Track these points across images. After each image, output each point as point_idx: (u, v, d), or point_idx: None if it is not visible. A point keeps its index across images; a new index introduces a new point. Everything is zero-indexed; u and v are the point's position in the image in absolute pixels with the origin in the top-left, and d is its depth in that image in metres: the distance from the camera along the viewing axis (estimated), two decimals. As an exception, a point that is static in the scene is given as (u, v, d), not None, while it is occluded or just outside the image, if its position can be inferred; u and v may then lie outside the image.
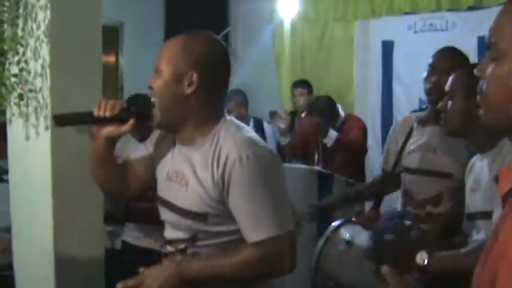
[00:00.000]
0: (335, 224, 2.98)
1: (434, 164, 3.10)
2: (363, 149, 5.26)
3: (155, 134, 2.33)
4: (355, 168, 5.16)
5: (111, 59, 7.23)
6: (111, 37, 7.09)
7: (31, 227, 3.21)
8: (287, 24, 6.94)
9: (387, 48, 6.46)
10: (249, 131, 2.17)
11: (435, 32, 6.16)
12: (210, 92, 2.11)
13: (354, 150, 5.19)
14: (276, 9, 6.98)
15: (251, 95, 6.58)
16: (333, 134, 5.03)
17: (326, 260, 2.84)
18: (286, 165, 4.96)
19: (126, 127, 2.11)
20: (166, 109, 2.11)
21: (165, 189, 2.21)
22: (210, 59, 2.11)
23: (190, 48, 2.11)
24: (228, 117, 2.16)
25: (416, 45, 5.96)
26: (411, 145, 3.25)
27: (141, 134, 4.41)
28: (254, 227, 2.01)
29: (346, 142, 5.10)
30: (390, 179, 3.41)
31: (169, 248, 2.21)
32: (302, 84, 6.44)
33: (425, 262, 2.21)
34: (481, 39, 5.92)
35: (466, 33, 5.98)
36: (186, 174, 2.11)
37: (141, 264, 3.14)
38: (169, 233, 2.22)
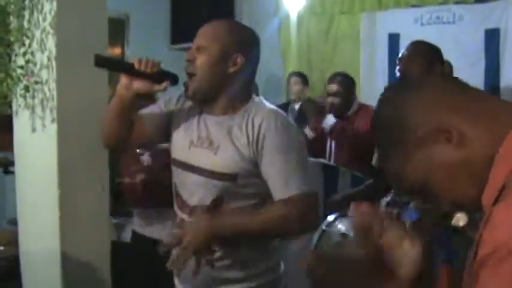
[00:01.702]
0: (330, 217, 2.99)
1: None
2: (370, 142, 5.18)
3: (166, 98, 2.46)
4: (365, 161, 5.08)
5: (117, 51, 7.23)
6: (117, 29, 7.09)
7: (37, 219, 3.21)
8: (293, 17, 6.92)
9: (393, 40, 6.45)
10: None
11: (442, 24, 6.16)
12: (248, 73, 2.30)
13: (360, 142, 5.12)
14: (282, 2, 6.97)
15: (257, 88, 6.57)
16: (330, 119, 4.94)
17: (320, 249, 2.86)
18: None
19: (159, 87, 2.23)
20: (206, 82, 2.26)
21: (189, 154, 2.33)
22: (252, 43, 2.32)
23: (236, 31, 2.32)
24: (256, 97, 2.35)
25: (423, 38, 5.89)
26: None
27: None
28: (285, 184, 2.16)
29: (352, 132, 5.04)
30: (381, 178, 3.47)
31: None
32: (297, 74, 6.45)
33: (464, 223, 2.15)
34: (488, 32, 5.91)
35: (473, 26, 5.98)
36: (216, 141, 2.27)
37: (148, 255, 3.16)
38: (189, 199, 2.34)
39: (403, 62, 3.24)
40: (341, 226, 3.05)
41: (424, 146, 1.18)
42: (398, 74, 3.28)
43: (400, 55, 3.30)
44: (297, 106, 6.37)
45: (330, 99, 5.04)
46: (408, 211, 3.01)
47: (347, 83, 5.10)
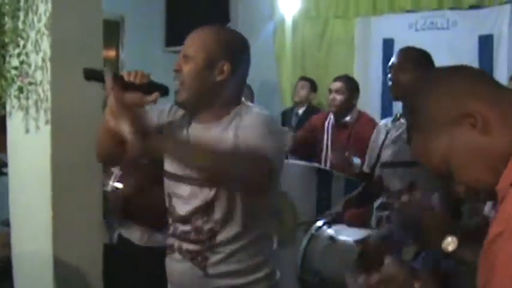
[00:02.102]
0: (318, 223, 3.02)
1: (406, 154, 3.18)
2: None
3: (159, 110, 2.41)
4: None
5: (112, 52, 7.23)
6: (112, 31, 7.08)
7: (30, 220, 3.20)
8: (288, 21, 6.93)
9: (388, 46, 6.46)
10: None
11: (436, 30, 6.17)
12: (236, 79, 2.27)
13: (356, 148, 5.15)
14: (277, 5, 6.97)
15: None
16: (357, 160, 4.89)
17: (311, 257, 2.87)
18: (286, 161, 4.95)
19: (150, 98, 2.14)
20: (194, 91, 2.24)
21: (180, 165, 2.27)
22: (240, 50, 2.29)
23: (223, 38, 2.28)
24: (247, 102, 2.33)
25: (417, 44, 5.87)
26: (388, 141, 3.41)
27: None
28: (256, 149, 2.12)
29: (350, 141, 5.09)
30: (372, 183, 3.56)
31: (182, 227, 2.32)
32: (306, 78, 6.48)
33: (453, 249, 2.15)
34: (481, 38, 5.93)
35: (467, 32, 6.00)
36: None
37: (137, 258, 3.16)
38: (182, 208, 2.31)
39: (394, 70, 3.21)
40: (330, 231, 3.09)
41: (450, 129, 1.28)
42: (389, 82, 3.25)
43: (390, 63, 3.28)
44: (300, 111, 6.37)
45: (332, 96, 5.10)
46: (396, 213, 3.02)
47: (351, 85, 5.21)
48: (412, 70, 3.09)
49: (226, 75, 2.22)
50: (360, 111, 5.26)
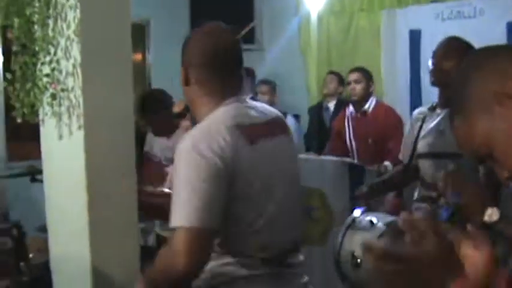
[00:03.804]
0: (356, 212, 3.02)
1: (443, 145, 3.21)
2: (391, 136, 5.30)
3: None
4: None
5: (139, 56, 7.27)
6: (138, 34, 7.14)
7: (66, 226, 3.23)
8: (314, 17, 6.91)
9: (415, 37, 6.42)
10: (225, 114, 2.15)
11: (463, 19, 6.12)
12: (207, 84, 2.22)
13: (381, 138, 5.24)
14: (302, 1, 6.95)
15: (279, 87, 6.58)
16: (389, 164, 4.94)
17: (350, 240, 2.87)
18: (318, 157, 4.98)
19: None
20: (188, 103, 2.32)
21: None
22: (197, 55, 2.23)
23: (185, 47, 2.31)
24: (231, 103, 2.19)
25: (445, 34, 5.79)
26: (423, 131, 3.42)
27: (156, 128, 4.50)
28: (172, 214, 2.00)
29: (372, 129, 5.20)
30: (407, 170, 3.54)
31: None
32: (334, 72, 6.53)
33: (496, 218, 2.10)
34: (509, 25, 5.87)
35: (494, 19, 5.94)
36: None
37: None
38: None
39: (438, 57, 3.30)
40: (369, 218, 3.07)
41: (495, 109, 1.23)
42: (431, 67, 3.35)
43: (434, 50, 3.37)
44: (331, 104, 6.43)
45: (351, 86, 5.29)
46: (438, 208, 2.99)
47: (367, 74, 5.44)
48: (455, 58, 3.15)
49: (192, 82, 2.24)
50: (377, 99, 5.55)
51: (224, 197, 2.01)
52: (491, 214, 2.06)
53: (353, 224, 2.98)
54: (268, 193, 2.14)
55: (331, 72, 6.63)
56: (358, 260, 2.82)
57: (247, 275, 2.13)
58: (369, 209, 3.15)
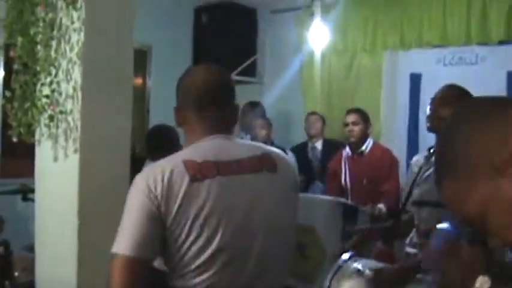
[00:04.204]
0: (345, 255, 3.00)
1: (436, 193, 3.15)
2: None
3: None
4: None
5: (139, 81, 7.27)
6: (140, 60, 7.14)
7: (55, 248, 3.20)
8: (317, 54, 6.93)
9: (415, 80, 6.44)
10: (185, 151, 2.20)
11: (464, 65, 6.14)
12: (189, 125, 2.26)
13: (377, 180, 5.26)
14: (306, 38, 6.97)
15: (276, 124, 6.58)
16: (382, 206, 5.00)
17: (337, 286, 2.85)
18: (312, 195, 4.98)
19: None
20: None
21: None
22: (181, 97, 2.28)
23: (176, 89, 2.32)
24: (202, 140, 2.20)
25: (445, 78, 5.85)
26: (418, 179, 3.44)
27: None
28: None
29: (368, 171, 5.22)
30: (398, 219, 3.54)
31: None
32: (316, 113, 6.60)
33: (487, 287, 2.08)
34: (510, 74, 5.88)
35: (495, 67, 5.96)
36: None
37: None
38: None
39: (434, 104, 3.35)
40: (356, 264, 3.05)
41: (494, 178, 1.12)
42: (428, 112, 3.41)
43: (433, 96, 3.42)
44: (318, 144, 6.44)
45: (349, 128, 5.29)
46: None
47: (364, 116, 5.45)
48: (453, 106, 3.17)
49: (177, 125, 2.33)
50: (374, 141, 5.58)
51: (157, 230, 2.02)
52: (483, 282, 2.03)
53: (340, 270, 2.97)
54: (217, 230, 2.05)
55: (313, 113, 6.66)
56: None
57: None
58: (358, 254, 3.14)
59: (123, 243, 2.00)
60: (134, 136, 6.48)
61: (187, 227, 2.02)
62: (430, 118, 3.39)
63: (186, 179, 2.03)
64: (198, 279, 2.06)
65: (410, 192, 3.43)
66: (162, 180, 2.02)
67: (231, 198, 2.09)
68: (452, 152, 1.19)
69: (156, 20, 7.18)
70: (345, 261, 2.96)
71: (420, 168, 3.45)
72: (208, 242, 2.04)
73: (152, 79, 7.37)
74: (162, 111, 7.17)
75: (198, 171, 2.06)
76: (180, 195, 2.02)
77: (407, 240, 3.50)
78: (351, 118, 5.47)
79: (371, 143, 5.47)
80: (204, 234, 2.03)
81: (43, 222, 3.30)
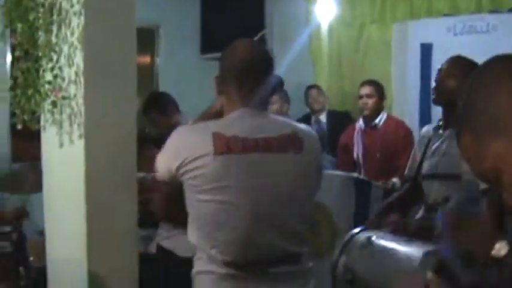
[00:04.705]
0: (356, 229, 3.01)
1: (443, 167, 3.16)
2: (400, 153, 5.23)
3: None
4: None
5: (147, 59, 7.24)
6: (147, 38, 7.11)
7: (64, 233, 3.19)
8: (324, 27, 6.84)
9: (426, 50, 6.36)
10: (216, 123, 2.39)
11: (475, 34, 6.05)
12: (227, 95, 2.47)
13: (390, 153, 5.18)
14: (313, 11, 6.89)
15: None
16: (396, 180, 4.90)
17: (348, 256, 2.86)
18: (325, 171, 4.94)
19: None
20: None
21: None
22: (221, 69, 2.51)
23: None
24: (237, 112, 2.41)
25: (456, 48, 5.78)
26: (429, 152, 3.38)
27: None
28: None
29: (381, 144, 5.15)
30: (414, 189, 3.50)
31: None
32: (316, 86, 6.53)
33: (505, 253, 2.04)
34: (523, 42, 5.79)
35: (507, 35, 5.86)
36: None
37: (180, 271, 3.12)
38: None
39: (441, 76, 3.28)
40: (370, 233, 3.05)
41: (508, 134, 1.15)
42: (434, 84, 3.34)
43: (439, 67, 3.35)
44: (322, 117, 6.38)
45: (363, 100, 5.21)
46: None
47: (379, 88, 5.33)
48: (459, 78, 3.10)
49: (217, 93, 2.55)
50: (388, 114, 5.50)
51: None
52: (499, 249, 1.99)
53: (351, 241, 2.96)
54: (232, 201, 2.27)
55: (313, 87, 6.63)
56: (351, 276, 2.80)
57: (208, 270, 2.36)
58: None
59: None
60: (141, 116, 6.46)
61: (208, 194, 2.28)
62: (435, 90, 3.33)
63: (211, 152, 2.24)
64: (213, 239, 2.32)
65: (421, 164, 3.39)
66: (186, 151, 2.29)
67: (252, 174, 2.28)
68: (473, 107, 1.22)
69: (163, -3, 7.14)
70: (356, 233, 2.96)
71: (429, 140, 3.39)
72: (228, 209, 2.28)
73: (160, 57, 7.32)
74: (170, 89, 7.16)
75: (225, 145, 2.26)
76: (203, 165, 2.25)
77: (418, 215, 3.46)
78: (365, 90, 5.40)
79: (385, 115, 5.40)
80: (223, 203, 2.27)
81: (51, 209, 3.30)
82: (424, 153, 3.40)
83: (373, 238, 2.85)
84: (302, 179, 2.40)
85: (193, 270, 2.43)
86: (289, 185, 2.36)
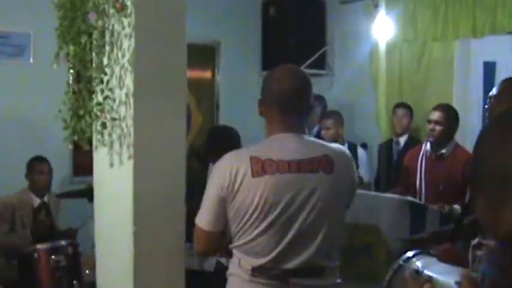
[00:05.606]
0: (409, 253, 2.94)
1: None
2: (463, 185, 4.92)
3: None
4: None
5: (208, 75, 7.29)
6: (208, 55, 7.17)
7: (113, 251, 3.23)
8: (384, 45, 6.74)
9: (489, 69, 6.21)
10: (256, 147, 2.62)
11: (540, 53, 5.89)
12: (267, 118, 2.68)
13: (453, 184, 4.88)
14: (374, 29, 6.80)
15: (347, 116, 6.47)
16: (457, 207, 4.53)
17: (393, 285, 2.83)
18: (380, 194, 4.82)
19: None
20: None
21: None
22: (263, 93, 2.69)
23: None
24: (277, 135, 2.62)
25: (521, 68, 5.70)
26: None
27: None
28: None
29: (446, 174, 4.85)
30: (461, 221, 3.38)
31: None
32: (404, 105, 6.33)
33: None
34: None
35: None
36: None
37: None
38: None
39: (492, 101, 3.12)
40: (418, 263, 2.98)
41: None
42: (487, 113, 3.20)
43: (491, 92, 3.18)
44: (401, 139, 6.26)
45: (431, 126, 4.89)
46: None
47: (451, 114, 4.96)
48: (509, 103, 2.93)
49: (260, 110, 2.73)
50: (457, 143, 5.00)
51: (224, 211, 2.56)
52: None
53: (400, 269, 2.90)
54: (264, 219, 2.50)
55: (402, 105, 6.37)
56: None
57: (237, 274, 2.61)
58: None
59: (201, 218, 2.60)
60: (203, 132, 6.49)
61: (246, 211, 2.50)
62: (488, 115, 3.19)
63: (249, 174, 2.48)
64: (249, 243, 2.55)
65: None
66: (230, 175, 2.50)
67: (283, 191, 2.49)
68: (484, 166, 1.13)
69: (224, 14, 7.20)
70: (407, 259, 2.89)
71: None
72: (259, 224, 2.50)
73: (221, 74, 7.37)
74: (231, 106, 7.23)
75: (261, 168, 2.50)
76: (242, 187, 2.48)
77: (474, 242, 3.35)
78: (434, 116, 4.94)
79: (453, 144, 4.95)
80: (256, 219, 2.50)
81: (101, 226, 3.33)
82: None
83: (420, 269, 2.78)
84: (332, 196, 2.58)
85: (227, 271, 2.67)
86: (318, 201, 2.53)
